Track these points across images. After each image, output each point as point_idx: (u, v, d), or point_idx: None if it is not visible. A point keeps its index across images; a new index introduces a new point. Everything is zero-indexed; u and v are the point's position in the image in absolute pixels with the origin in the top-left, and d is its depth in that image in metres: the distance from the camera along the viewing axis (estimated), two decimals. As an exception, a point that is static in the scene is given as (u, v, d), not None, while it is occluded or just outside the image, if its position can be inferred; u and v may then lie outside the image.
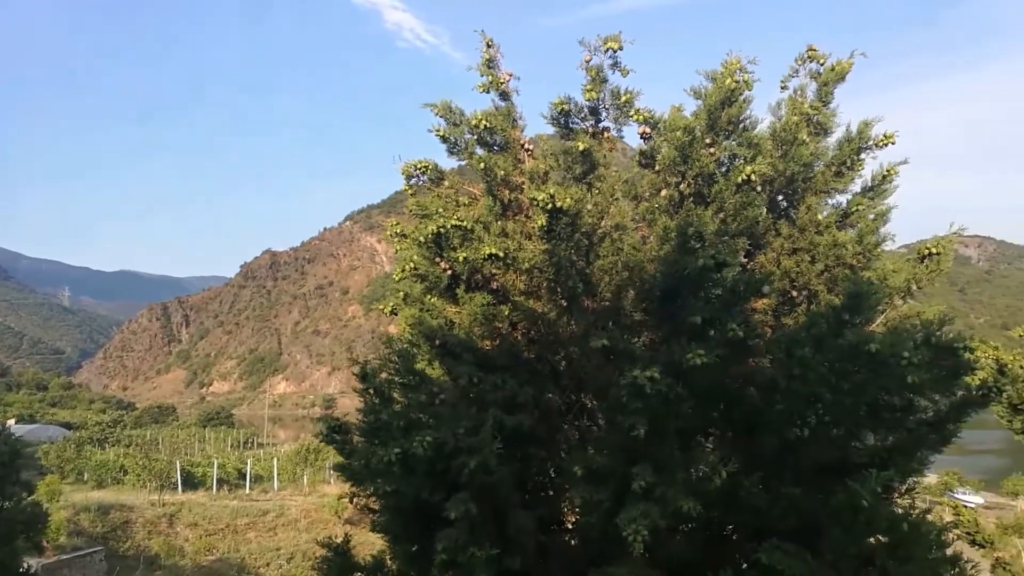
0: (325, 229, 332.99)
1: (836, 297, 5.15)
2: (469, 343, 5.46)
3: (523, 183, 5.92)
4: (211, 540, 26.80)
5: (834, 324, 4.60)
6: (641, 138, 5.89)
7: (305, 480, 39.05)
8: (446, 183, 6.38)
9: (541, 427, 5.61)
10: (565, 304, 5.60)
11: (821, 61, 6.05)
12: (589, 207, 5.51)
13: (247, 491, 36.44)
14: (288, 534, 28.10)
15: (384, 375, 5.50)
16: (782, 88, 6.16)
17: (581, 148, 5.60)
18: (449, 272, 5.70)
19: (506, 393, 5.22)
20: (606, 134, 5.93)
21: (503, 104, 6.24)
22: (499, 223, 5.93)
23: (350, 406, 6.02)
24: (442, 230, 5.47)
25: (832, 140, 6.03)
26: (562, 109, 5.82)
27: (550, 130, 6.26)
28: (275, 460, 41.90)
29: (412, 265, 5.90)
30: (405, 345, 5.72)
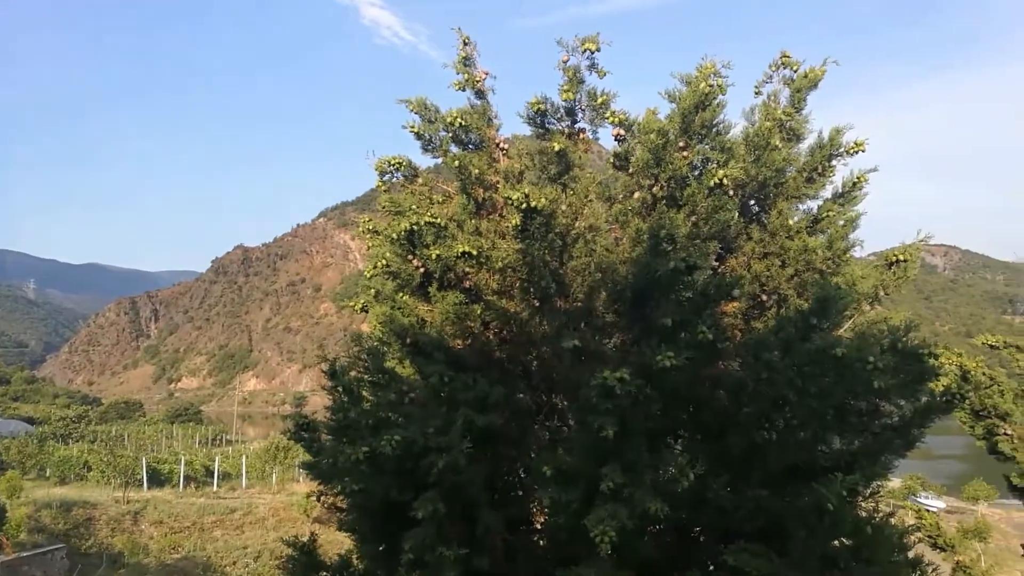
0: (298, 225, 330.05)
1: (805, 302, 5.20)
2: (440, 342, 5.43)
3: (498, 182, 5.91)
4: (177, 538, 26.42)
5: (802, 328, 4.64)
6: (616, 140, 5.90)
7: (274, 478, 38.69)
8: (420, 180, 6.34)
9: (512, 427, 5.60)
10: (538, 304, 5.59)
11: (794, 68, 6.11)
12: (563, 208, 5.51)
13: (215, 489, 35.98)
14: (256, 532, 27.80)
15: (353, 373, 5.45)
16: (756, 94, 6.21)
17: (556, 148, 5.60)
18: (421, 270, 5.66)
19: (477, 393, 5.19)
20: (582, 135, 5.93)
21: (479, 102, 6.21)
22: (473, 221, 5.91)
23: (321, 404, 5.98)
24: (415, 227, 5.43)
25: (804, 146, 6.09)
26: (538, 109, 5.81)
27: (526, 130, 6.26)
28: (244, 457, 41.47)
29: (384, 262, 5.85)
30: (375, 343, 5.67)
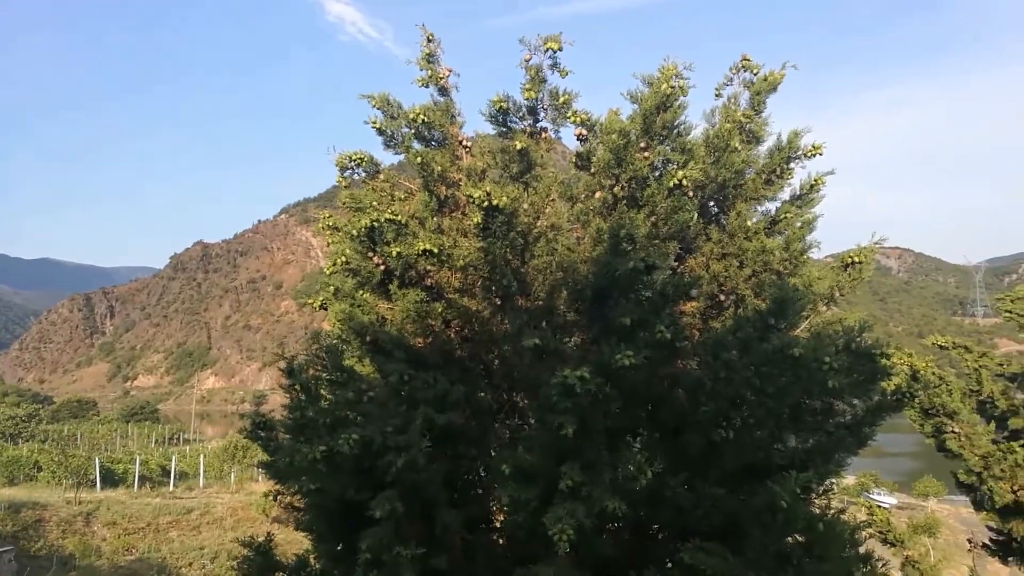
0: (259, 221, 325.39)
1: (762, 302, 5.27)
2: (401, 340, 5.39)
3: (460, 180, 5.88)
4: (130, 539, 25.82)
5: (760, 328, 4.70)
6: (578, 140, 5.91)
7: (232, 477, 38.07)
8: (381, 177, 6.28)
9: (472, 426, 5.58)
10: (499, 303, 5.58)
11: (754, 71, 6.19)
12: (525, 206, 5.51)
13: (171, 489, 35.27)
14: (213, 533, 27.31)
15: (311, 371, 5.38)
16: (716, 96, 6.28)
17: (519, 147, 5.59)
18: (382, 267, 5.61)
19: (437, 391, 5.16)
20: (544, 134, 5.93)
21: (442, 99, 6.18)
22: (435, 219, 5.87)
23: (281, 402, 5.91)
24: (375, 224, 5.38)
25: (763, 148, 6.17)
26: (500, 107, 5.80)
27: (491, 129, 6.24)
28: (201, 457, 40.72)
29: (344, 259, 5.78)
30: (334, 341, 5.61)
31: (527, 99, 5.74)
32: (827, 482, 5.44)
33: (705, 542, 4.50)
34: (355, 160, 6.26)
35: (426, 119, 5.87)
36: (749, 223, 5.76)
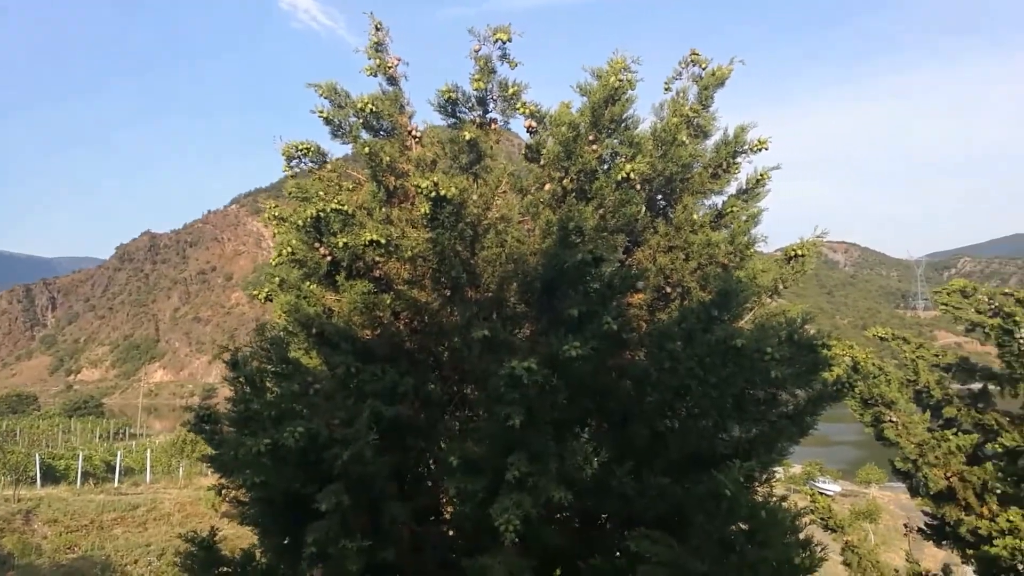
0: (209, 212, 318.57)
1: (707, 294, 5.35)
2: (348, 332, 5.33)
3: (409, 170, 5.83)
4: (73, 537, 25.11)
5: (704, 320, 4.78)
6: (528, 132, 5.91)
7: (181, 472, 37.30)
8: (329, 166, 6.19)
9: (421, 418, 5.56)
10: (448, 294, 5.56)
11: (703, 65, 6.25)
12: (475, 197, 5.49)
13: (116, 485, 34.40)
14: (160, 529, 26.72)
15: (256, 364, 5.29)
16: (665, 90, 6.33)
17: (468, 138, 5.57)
18: (329, 258, 5.54)
19: (386, 383, 5.13)
20: (493, 125, 5.92)
21: (391, 89, 6.12)
22: (383, 210, 5.82)
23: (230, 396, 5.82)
24: (322, 214, 5.30)
25: (710, 143, 6.24)
26: (450, 97, 5.77)
27: (441, 120, 6.21)
28: (148, 452, 39.80)
29: (290, 250, 5.69)
30: (280, 333, 5.52)
31: (476, 90, 5.72)
32: (770, 470, 5.58)
33: (650, 530, 4.57)
34: (302, 150, 6.16)
35: (374, 108, 5.81)
36: (696, 216, 5.83)
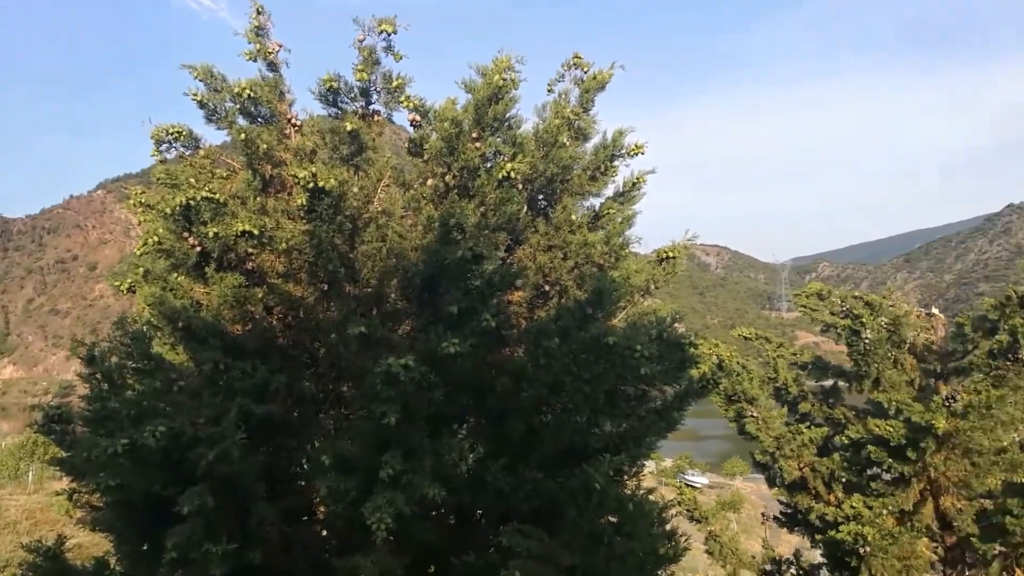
0: (71, 197, 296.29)
1: (583, 293, 5.49)
2: (216, 326, 5.11)
3: (287, 159, 5.65)
4: (-100, 550, 22.76)
5: (579, 318, 4.91)
6: (412, 125, 5.86)
7: (30, 476, 34.54)
8: (202, 152, 5.90)
9: (294, 416, 5.41)
10: (325, 289, 5.43)
11: (585, 69, 6.39)
12: (355, 190, 5.39)
13: (-47, 491, 31.43)
14: (4, 539, 24.65)
15: (115, 359, 4.97)
16: (548, 91, 6.43)
17: (349, 128, 5.46)
18: (198, 249, 5.28)
19: (256, 381, 4.95)
20: (376, 117, 5.83)
21: (271, 75, 5.91)
22: (258, 199, 5.60)
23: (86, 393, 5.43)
24: (192, 202, 5.04)
25: (590, 145, 6.40)
26: (331, 86, 5.63)
27: (322, 110, 6.05)
28: (-7, 455, 36.62)
29: (157, 239, 5.38)
30: (142, 326, 5.22)
31: (359, 80, 5.61)
32: (639, 464, 5.80)
33: (523, 525, 4.64)
34: (172, 134, 5.83)
35: (252, 94, 5.59)
36: (574, 217, 5.97)
